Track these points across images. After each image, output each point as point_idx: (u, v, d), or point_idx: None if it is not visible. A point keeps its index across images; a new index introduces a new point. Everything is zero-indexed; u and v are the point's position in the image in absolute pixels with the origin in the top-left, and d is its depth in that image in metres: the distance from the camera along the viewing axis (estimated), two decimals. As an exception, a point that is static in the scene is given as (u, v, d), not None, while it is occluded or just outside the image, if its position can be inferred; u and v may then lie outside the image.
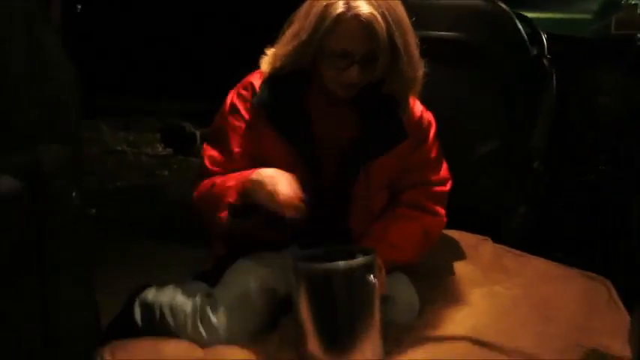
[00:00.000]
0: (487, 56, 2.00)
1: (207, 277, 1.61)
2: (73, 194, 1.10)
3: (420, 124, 1.63)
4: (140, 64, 2.90)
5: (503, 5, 2.02)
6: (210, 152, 1.58)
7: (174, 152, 4.03)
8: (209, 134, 1.64)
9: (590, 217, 2.30)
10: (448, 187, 1.67)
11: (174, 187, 3.56)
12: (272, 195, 1.40)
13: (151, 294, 1.62)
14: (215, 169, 1.56)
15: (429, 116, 1.66)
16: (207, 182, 1.55)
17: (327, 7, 1.40)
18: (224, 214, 1.46)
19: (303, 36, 1.43)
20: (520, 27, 2.03)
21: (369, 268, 1.32)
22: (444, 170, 1.68)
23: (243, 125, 1.55)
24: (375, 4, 1.40)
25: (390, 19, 1.40)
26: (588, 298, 1.65)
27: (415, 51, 1.48)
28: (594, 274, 1.77)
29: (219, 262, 1.60)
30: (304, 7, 1.47)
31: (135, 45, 2.85)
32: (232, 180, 1.48)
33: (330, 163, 1.56)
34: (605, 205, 2.35)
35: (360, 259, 1.34)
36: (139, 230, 2.69)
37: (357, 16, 1.38)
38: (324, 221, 1.54)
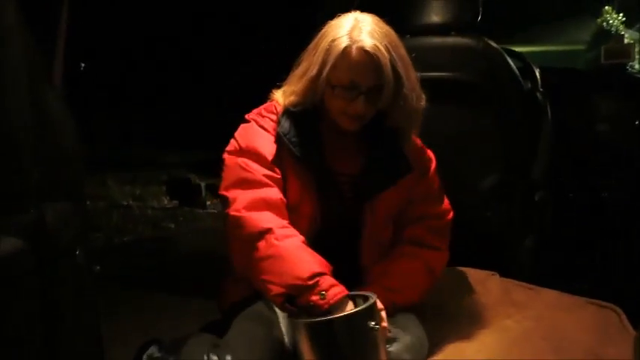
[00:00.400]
0: (481, 93, 2.04)
1: (216, 327, 1.61)
2: (77, 252, 1.12)
3: (422, 158, 1.68)
4: (144, 118, 2.94)
5: (493, 43, 2.06)
6: (240, 159, 1.53)
7: (180, 204, 4.05)
8: (229, 151, 1.59)
9: (597, 243, 2.31)
10: (450, 218, 1.70)
11: (181, 239, 3.57)
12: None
13: (159, 348, 1.62)
14: (245, 175, 1.51)
15: (429, 152, 1.72)
16: (259, 221, 1.46)
17: (333, 41, 1.47)
18: (280, 296, 1.40)
19: (313, 72, 1.50)
20: (511, 63, 2.07)
21: (369, 314, 1.31)
22: (446, 203, 1.72)
23: (272, 140, 1.55)
24: (378, 37, 1.48)
25: (392, 52, 1.48)
26: (600, 327, 1.63)
27: (417, 85, 1.55)
28: (604, 302, 1.76)
29: (227, 313, 1.60)
30: (311, 46, 1.54)
31: (139, 98, 2.91)
32: (305, 268, 1.39)
33: (337, 196, 1.59)
34: (611, 230, 2.36)
35: (358, 308, 1.33)
36: (147, 283, 2.69)
37: (362, 48, 1.46)
38: (333, 255, 1.55)
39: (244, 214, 1.46)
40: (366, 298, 1.37)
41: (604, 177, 2.60)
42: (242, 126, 1.62)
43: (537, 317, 1.68)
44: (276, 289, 1.39)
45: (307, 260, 1.41)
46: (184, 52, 2.86)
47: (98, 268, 1.27)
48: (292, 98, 1.56)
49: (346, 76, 1.48)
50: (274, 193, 1.51)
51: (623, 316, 1.67)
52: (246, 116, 1.63)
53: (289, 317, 1.38)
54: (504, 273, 1.95)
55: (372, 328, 1.30)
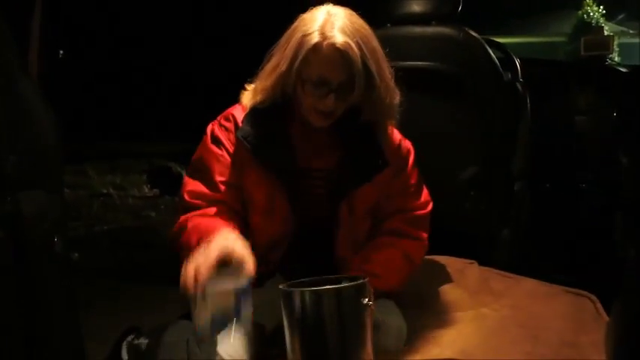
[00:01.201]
0: (461, 84, 2.05)
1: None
2: (55, 240, 1.11)
3: (399, 152, 1.66)
4: (124, 107, 2.92)
5: (474, 33, 2.07)
6: (190, 187, 1.58)
7: (160, 193, 4.03)
8: (189, 168, 1.64)
9: (575, 234, 2.34)
10: (429, 209, 1.70)
11: (162, 227, 3.55)
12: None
13: (139, 335, 1.62)
14: (195, 201, 1.56)
15: (407, 144, 1.70)
16: (182, 220, 1.54)
17: (304, 37, 1.45)
18: None
19: (283, 67, 1.47)
20: (491, 53, 2.07)
21: (360, 291, 1.32)
22: (425, 195, 1.71)
23: (226, 155, 1.57)
24: (350, 33, 1.45)
25: (364, 47, 1.46)
26: (575, 315, 1.66)
27: (390, 79, 1.53)
28: (580, 290, 1.79)
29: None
30: (281, 41, 1.52)
31: (118, 88, 2.89)
32: (194, 237, 1.44)
33: (312, 193, 1.58)
34: (588, 220, 2.39)
35: (354, 283, 1.33)
36: (127, 272, 2.68)
37: (332, 45, 1.44)
38: (310, 251, 1.56)
39: (170, 238, 1.55)
40: (353, 279, 1.37)
41: (582, 168, 2.63)
42: (202, 140, 1.61)
43: (514, 305, 1.71)
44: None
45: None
46: (165, 42, 2.84)
47: (76, 255, 1.26)
48: (262, 94, 1.54)
49: (316, 73, 1.45)
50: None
51: (599, 304, 1.70)
52: (208, 127, 1.61)
53: (281, 288, 1.37)
54: (483, 262, 1.97)
55: (363, 304, 1.30)
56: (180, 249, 1.48)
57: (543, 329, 1.57)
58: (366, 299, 1.30)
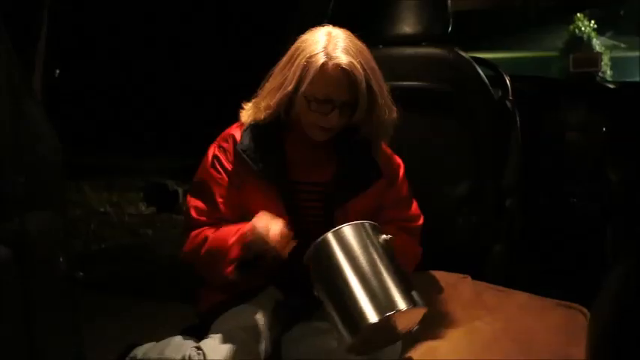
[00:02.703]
0: (452, 103, 2.09)
1: (195, 331, 1.65)
2: (60, 259, 1.14)
3: (391, 164, 1.74)
4: (120, 124, 2.94)
5: (463, 53, 2.12)
6: (194, 203, 1.65)
7: (157, 210, 4.05)
8: (192, 187, 1.71)
9: (567, 248, 2.37)
10: (421, 222, 1.77)
11: (159, 245, 3.58)
12: (264, 238, 1.47)
13: (140, 351, 1.65)
14: (201, 218, 1.63)
15: (397, 158, 1.78)
16: (196, 235, 1.61)
17: (310, 57, 1.52)
18: (230, 270, 1.52)
19: (289, 86, 1.55)
20: (481, 73, 2.12)
21: (377, 229, 1.43)
22: (415, 208, 1.77)
23: (225, 177, 1.63)
24: (353, 54, 1.53)
25: (366, 67, 1.54)
26: (567, 328, 1.69)
27: (388, 96, 1.62)
28: (572, 304, 1.82)
29: (204, 317, 1.64)
30: (284, 60, 1.59)
31: (114, 104, 2.91)
32: (231, 236, 1.54)
33: (309, 206, 1.64)
34: (580, 235, 2.42)
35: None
36: (125, 289, 2.70)
37: (338, 65, 1.51)
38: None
39: (186, 253, 1.64)
40: None
41: (573, 183, 2.67)
42: (203, 159, 1.69)
43: (507, 319, 1.74)
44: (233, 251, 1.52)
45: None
46: (161, 58, 2.87)
47: (81, 274, 1.29)
48: (264, 112, 1.60)
49: (322, 92, 1.53)
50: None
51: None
52: (209, 148, 1.69)
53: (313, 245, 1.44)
54: (476, 276, 2.01)
55: (387, 238, 1.41)
56: (211, 256, 1.56)
57: (535, 342, 1.61)
58: (384, 235, 1.41)
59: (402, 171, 1.76)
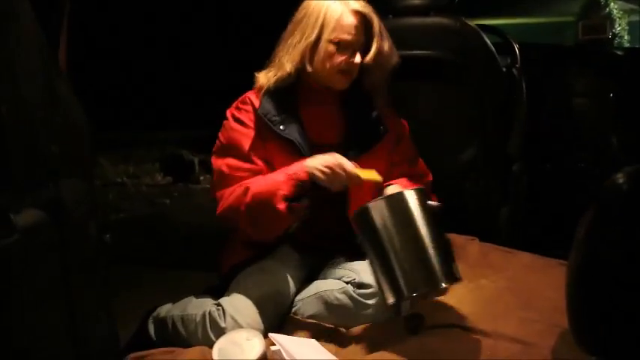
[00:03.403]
0: (459, 71, 2.14)
1: (215, 290, 1.74)
2: (91, 223, 1.23)
3: (398, 122, 1.86)
4: (135, 95, 2.99)
5: (470, 23, 2.16)
6: (224, 161, 1.71)
7: (173, 180, 4.12)
8: (215, 151, 1.76)
9: (571, 212, 2.41)
10: (430, 178, 1.88)
11: (176, 214, 3.66)
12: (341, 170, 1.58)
13: (164, 310, 1.74)
14: (236, 174, 1.69)
15: (402, 119, 1.89)
16: (233, 190, 1.66)
17: (328, 7, 1.67)
18: (282, 206, 1.58)
19: (311, 36, 1.67)
20: (487, 41, 2.16)
21: (426, 194, 1.53)
22: (423, 165, 1.89)
23: (250, 131, 1.71)
24: (362, 2, 1.69)
25: (374, 14, 1.69)
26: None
27: (391, 42, 1.75)
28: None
29: (225, 277, 1.73)
30: (298, 16, 1.71)
31: (129, 76, 2.95)
32: (279, 175, 1.61)
33: None
34: (584, 199, 2.47)
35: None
36: (144, 259, 2.76)
37: (355, 11, 1.67)
38: (325, 221, 1.71)
39: (226, 207, 1.68)
40: None
41: (580, 149, 2.72)
42: (223, 124, 1.76)
43: (511, 277, 1.81)
44: (283, 188, 1.59)
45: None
46: (176, 31, 2.90)
47: (108, 237, 1.38)
48: (291, 64, 1.69)
49: (345, 35, 1.67)
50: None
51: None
52: (227, 112, 1.77)
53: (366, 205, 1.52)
54: (484, 238, 2.08)
55: (436, 205, 1.50)
56: (259, 200, 1.61)
57: (536, 298, 1.68)
58: (435, 202, 1.51)
59: (407, 130, 1.88)
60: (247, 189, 1.62)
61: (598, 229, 1.03)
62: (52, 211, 1.07)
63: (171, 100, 3.03)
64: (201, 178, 3.99)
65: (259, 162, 1.70)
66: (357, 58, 1.69)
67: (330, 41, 1.68)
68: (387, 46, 1.72)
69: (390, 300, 1.46)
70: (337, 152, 1.69)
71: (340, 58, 1.68)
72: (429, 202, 1.51)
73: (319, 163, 1.58)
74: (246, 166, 1.69)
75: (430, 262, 1.44)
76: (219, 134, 1.77)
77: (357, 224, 1.53)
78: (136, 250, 2.87)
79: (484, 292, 1.72)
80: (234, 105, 1.77)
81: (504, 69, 2.28)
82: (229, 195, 1.66)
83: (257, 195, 1.60)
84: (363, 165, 1.68)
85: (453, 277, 1.46)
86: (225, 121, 1.76)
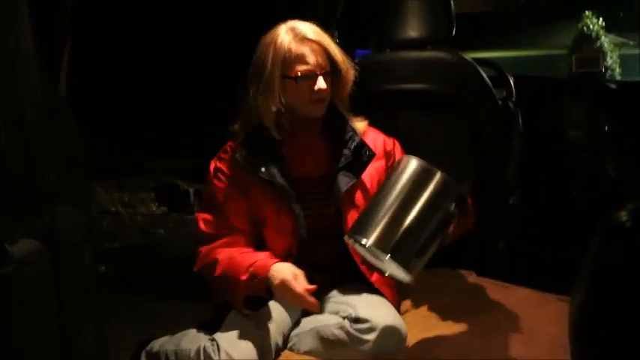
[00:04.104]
0: (456, 104, 2.15)
1: (209, 325, 1.71)
2: (85, 252, 1.22)
3: (381, 141, 1.82)
4: (132, 124, 2.99)
5: (466, 57, 2.18)
6: (203, 216, 1.73)
7: (168, 210, 4.11)
8: (200, 203, 1.79)
9: (567, 244, 2.42)
10: None
11: (171, 244, 3.63)
12: (287, 295, 1.55)
13: (157, 344, 1.72)
14: (211, 231, 1.70)
15: (392, 139, 1.86)
16: (207, 253, 1.68)
17: (275, 44, 1.65)
18: (239, 303, 1.61)
19: (271, 77, 1.65)
20: (483, 75, 2.18)
21: (454, 194, 1.52)
22: None
23: (229, 186, 1.71)
24: (313, 27, 1.68)
25: (324, 35, 1.68)
26: (566, 321, 1.74)
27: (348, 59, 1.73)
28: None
29: (219, 311, 1.71)
30: (256, 55, 1.69)
31: (126, 105, 2.96)
32: (242, 272, 1.59)
33: (314, 200, 1.72)
34: (581, 231, 2.47)
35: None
36: (138, 288, 2.74)
37: (305, 37, 1.64)
38: (319, 252, 1.70)
39: (199, 269, 1.71)
40: None
41: (576, 180, 2.73)
42: (205, 177, 1.77)
43: (509, 312, 1.80)
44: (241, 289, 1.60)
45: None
46: (172, 59, 2.91)
47: (103, 268, 1.37)
48: (259, 109, 1.68)
49: (302, 65, 1.64)
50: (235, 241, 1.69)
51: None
52: (210, 163, 1.77)
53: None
54: (479, 272, 2.07)
55: (453, 211, 1.50)
56: (222, 283, 1.65)
57: (536, 333, 1.67)
58: (453, 206, 1.50)
59: (398, 147, 1.85)
60: (216, 261, 1.65)
61: (602, 267, 1.03)
62: (47, 239, 1.06)
63: (167, 129, 3.03)
64: (196, 208, 3.98)
65: (236, 220, 1.69)
66: (321, 84, 1.65)
67: (289, 77, 1.65)
68: (345, 62, 1.70)
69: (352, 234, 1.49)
70: (326, 183, 1.69)
71: (305, 90, 1.66)
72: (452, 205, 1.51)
73: (280, 279, 1.55)
74: (223, 224, 1.69)
75: (402, 234, 1.45)
76: (204, 184, 1.79)
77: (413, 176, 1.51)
78: (130, 279, 2.85)
79: (482, 328, 1.70)
80: (216, 156, 1.77)
81: (500, 101, 2.30)
82: (204, 256, 1.69)
83: (222, 278, 1.64)
84: (353, 192, 1.70)
85: (407, 267, 1.46)
86: (207, 175, 1.77)
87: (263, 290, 1.57)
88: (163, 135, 3.05)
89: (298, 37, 1.64)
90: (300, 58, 1.64)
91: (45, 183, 1.07)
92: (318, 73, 1.65)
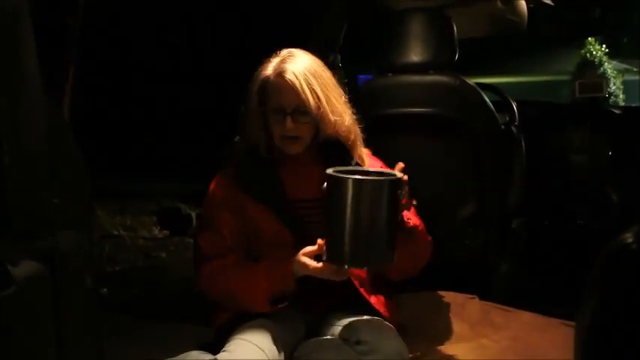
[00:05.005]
0: (458, 128, 2.15)
1: (210, 347, 1.70)
2: (87, 276, 1.21)
3: (375, 165, 1.82)
4: (134, 148, 3.00)
5: (469, 81, 2.19)
6: (202, 237, 1.75)
7: (170, 234, 4.11)
8: (198, 226, 1.81)
9: (571, 268, 2.41)
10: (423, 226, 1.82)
11: (173, 268, 3.63)
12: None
13: (158, 367, 1.70)
14: (211, 250, 1.72)
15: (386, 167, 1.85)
16: (213, 268, 1.70)
17: (260, 76, 1.68)
18: (263, 303, 1.64)
19: (254, 107, 1.69)
20: (486, 99, 2.19)
21: (397, 185, 1.51)
22: (415, 213, 1.82)
23: (226, 208, 1.73)
24: (298, 65, 1.66)
25: (309, 74, 1.66)
26: (571, 344, 1.73)
27: (338, 99, 1.72)
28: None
29: (221, 331, 1.70)
30: (250, 83, 1.71)
31: (128, 129, 2.97)
32: (261, 275, 1.64)
33: (310, 221, 1.72)
34: (585, 255, 2.46)
35: (391, 178, 1.51)
36: (139, 312, 2.73)
37: (279, 75, 1.65)
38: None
39: (206, 287, 1.74)
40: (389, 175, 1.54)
41: (578, 205, 2.72)
42: (205, 200, 1.79)
43: (513, 337, 1.79)
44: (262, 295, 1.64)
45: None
46: (173, 84, 2.93)
47: (105, 290, 1.37)
48: (253, 136, 1.72)
49: (273, 102, 1.67)
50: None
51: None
52: (209, 186, 1.79)
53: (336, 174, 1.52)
54: (483, 296, 2.06)
55: (399, 195, 1.50)
56: (236, 297, 1.68)
57: (540, 357, 1.65)
58: (399, 191, 1.50)
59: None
60: (227, 276, 1.68)
61: (608, 289, 1.02)
62: (49, 262, 1.06)
63: (169, 153, 3.04)
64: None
65: (233, 240, 1.72)
66: (288, 123, 1.65)
67: (265, 111, 1.68)
68: (327, 106, 1.67)
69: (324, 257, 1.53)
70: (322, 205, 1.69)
71: (276, 125, 1.68)
72: (398, 191, 1.51)
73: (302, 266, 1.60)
74: (222, 244, 1.72)
75: (367, 245, 1.48)
76: (203, 206, 1.81)
77: (329, 189, 1.53)
78: (132, 302, 2.84)
79: (486, 352, 1.69)
80: (214, 179, 1.80)
81: (503, 126, 2.31)
82: (210, 274, 1.71)
83: (236, 290, 1.67)
84: None
85: (380, 262, 1.52)
86: (206, 196, 1.79)
87: (291, 285, 1.61)
88: (165, 158, 3.06)
89: (278, 71, 1.66)
90: (274, 93, 1.67)
91: (47, 206, 1.07)
92: (287, 112, 1.66)
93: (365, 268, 1.53)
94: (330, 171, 1.51)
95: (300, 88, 1.64)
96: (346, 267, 1.51)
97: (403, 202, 1.56)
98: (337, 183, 1.49)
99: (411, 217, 1.73)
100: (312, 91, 1.65)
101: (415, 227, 1.73)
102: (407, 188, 1.56)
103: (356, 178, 1.48)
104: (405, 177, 1.55)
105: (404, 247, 1.67)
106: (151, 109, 2.92)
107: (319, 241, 1.57)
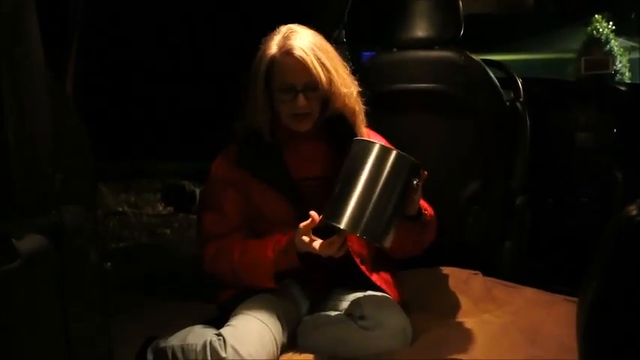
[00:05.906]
0: (463, 104, 2.14)
1: (214, 323, 1.72)
2: (91, 250, 1.22)
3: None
4: (138, 126, 3.00)
5: (475, 57, 2.17)
6: (205, 215, 1.76)
7: (174, 211, 4.12)
8: (200, 203, 1.82)
9: (574, 246, 2.41)
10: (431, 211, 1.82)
11: (177, 244, 3.65)
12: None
13: (162, 340, 1.72)
14: (214, 229, 1.73)
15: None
16: (218, 246, 1.71)
17: (264, 57, 1.66)
18: (269, 278, 1.65)
19: (260, 88, 1.67)
20: (492, 75, 2.17)
21: (417, 169, 1.55)
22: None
23: (229, 187, 1.73)
24: (304, 41, 1.65)
25: (316, 49, 1.64)
26: (573, 321, 1.74)
27: (345, 71, 1.72)
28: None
29: (225, 307, 1.72)
30: (253, 61, 1.70)
31: (132, 106, 2.96)
32: (268, 250, 1.65)
33: (314, 199, 1.71)
34: (588, 233, 2.46)
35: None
36: (144, 289, 2.75)
37: (287, 53, 1.63)
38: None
39: (211, 267, 1.75)
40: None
41: (583, 183, 2.72)
42: (207, 180, 1.80)
43: (516, 312, 1.80)
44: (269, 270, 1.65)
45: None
46: (179, 62, 2.91)
47: (109, 264, 1.38)
48: (258, 116, 1.71)
49: (282, 80, 1.65)
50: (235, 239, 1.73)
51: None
52: (212, 165, 1.79)
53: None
54: (486, 273, 2.06)
55: (415, 183, 1.54)
56: (244, 272, 1.69)
57: (542, 334, 1.66)
58: (416, 180, 1.53)
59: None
60: (233, 252, 1.69)
61: (613, 263, 1.02)
62: (53, 237, 1.06)
63: (173, 131, 3.03)
64: (201, 208, 3.98)
65: (236, 218, 1.73)
66: (300, 101, 1.65)
67: (274, 89, 1.67)
68: (336, 78, 1.67)
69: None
70: (327, 184, 1.68)
71: (286, 104, 1.67)
72: (415, 178, 1.54)
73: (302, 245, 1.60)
74: (225, 223, 1.73)
75: (370, 215, 1.50)
76: (205, 185, 1.81)
77: (353, 151, 1.56)
78: (136, 279, 2.86)
79: (489, 328, 1.70)
80: (217, 159, 1.80)
81: (508, 103, 2.29)
82: (215, 252, 1.72)
83: (241, 265, 1.68)
84: None
85: (374, 238, 1.53)
86: (208, 175, 1.79)
87: (295, 260, 1.61)
88: (169, 136, 3.05)
89: (284, 49, 1.64)
90: (282, 72, 1.65)
91: (52, 182, 1.07)
92: (298, 89, 1.65)
93: (356, 235, 1.53)
94: (371, 143, 1.54)
95: (311, 64, 1.63)
96: (341, 227, 1.51)
97: (415, 193, 1.57)
98: (363, 146, 1.51)
99: (427, 207, 1.74)
100: (322, 65, 1.65)
101: (432, 218, 1.73)
102: (423, 182, 1.57)
103: (383, 145, 1.50)
104: (425, 172, 1.57)
105: (415, 235, 1.68)
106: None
107: (312, 213, 1.57)
